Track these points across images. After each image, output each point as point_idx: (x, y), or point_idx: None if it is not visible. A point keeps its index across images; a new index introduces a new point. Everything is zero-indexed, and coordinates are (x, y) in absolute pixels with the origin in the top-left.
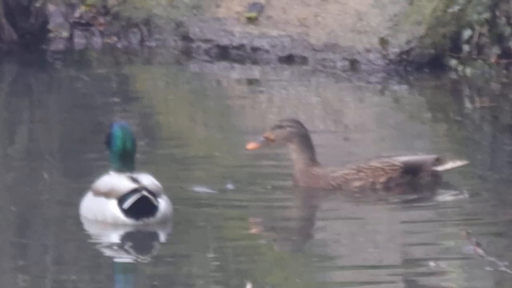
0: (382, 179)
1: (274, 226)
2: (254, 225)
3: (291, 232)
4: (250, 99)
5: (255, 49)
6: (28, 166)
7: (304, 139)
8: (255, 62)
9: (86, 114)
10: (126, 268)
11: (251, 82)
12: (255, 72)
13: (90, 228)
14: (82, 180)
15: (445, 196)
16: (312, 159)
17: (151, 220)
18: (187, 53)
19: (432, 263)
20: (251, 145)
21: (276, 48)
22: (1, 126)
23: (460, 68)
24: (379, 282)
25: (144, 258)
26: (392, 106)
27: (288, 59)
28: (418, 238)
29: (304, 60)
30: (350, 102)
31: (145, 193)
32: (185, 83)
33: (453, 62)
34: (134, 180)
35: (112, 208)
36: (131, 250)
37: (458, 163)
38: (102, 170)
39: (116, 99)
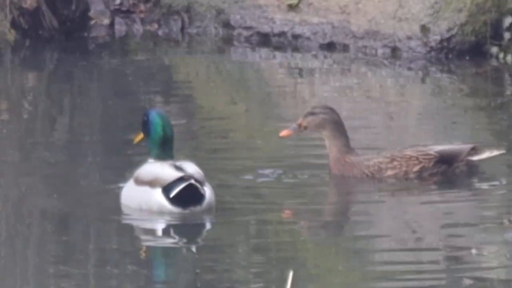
0: (416, 168)
1: (313, 213)
2: (294, 213)
3: (330, 219)
4: (291, 86)
5: (296, 37)
6: (69, 154)
7: (338, 126)
8: (296, 49)
9: (127, 102)
10: (168, 255)
11: (292, 69)
12: (296, 59)
13: (132, 216)
14: (123, 168)
15: (483, 185)
16: (347, 146)
17: (197, 208)
18: (228, 41)
19: (474, 250)
20: (284, 132)
21: (317, 35)
22: (42, 113)
23: (501, 55)
24: (421, 265)
25: (187, 246)
26: (433, 93)
27: (329, 47)
28: (458, 224)
29: (345, 48)
30: (391, 90)
31: (192, 181)
32: (226, 70)
33: (494, 50)
34: (178, 168)
35: (158, 197)
36: (175, 238)
37: (495, 152)
38: (142, 158)
39: (157, 87)
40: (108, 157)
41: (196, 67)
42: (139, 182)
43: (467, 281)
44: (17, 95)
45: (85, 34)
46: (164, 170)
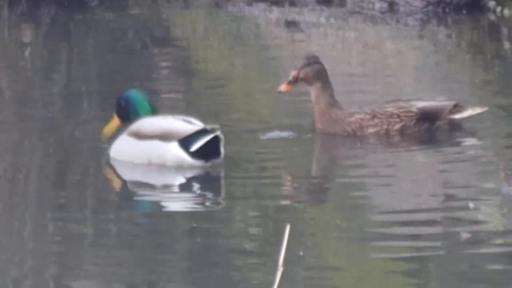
0: (397, 126)
1: (304, 176)
2: (288, 176)
3: (322, 183)
4: (288, 41)
5: None
6: (66, 107)
7: (327, 77)
8: (293, 4)
9: (124, 56)
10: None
11: (289, 24)
12: (293, 14)
13: (125, 170)
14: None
15: (468, 141)
16: (333, 98)
17: (217, 161)
18: None
19: (471, 204)
20: (283, 87)
21: None
22: (39, 68)
23: (498, 9)
24: (419, 224)
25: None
26: (430, 48)
27: (327, 1)
28: (453, 181)
29: (342, 2)
30: (388, 44)
31: (219, 133)
32: (222, 25)
33: (491, 4)
34: (186, 121)
35: (176, 151)
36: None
37: (478, 110)
38: None
39: (153, 41)
40: (104, 110)
41: (193, 21)
42: (143, 136)
43: (465, 235)
44: (14, 50)
45: None
46: (175, 123)
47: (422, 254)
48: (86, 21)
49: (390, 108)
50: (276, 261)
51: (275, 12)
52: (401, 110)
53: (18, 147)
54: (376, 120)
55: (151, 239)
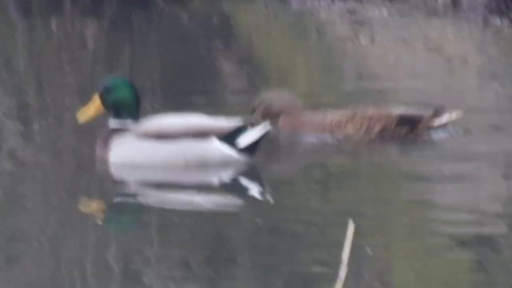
0: (378, 128)
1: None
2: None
3: (381, 178)
4: (351, 35)
5: None
6: None
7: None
8: None
9: (187, 50)
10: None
11: (352, 18)
12: (357, 8)
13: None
14: (182, 111)
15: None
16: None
17: (255, 156)
18: None
19: None
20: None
21: None
22: (102, 61)
23: None
24: (483, 222)
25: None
26: (493, 41)
27: None
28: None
29: None
30: (451, 38)
31: (270, 128)
32: (286, 19)
33: None
34: (206, 118)
35: (220, 148)
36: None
37: (454, 115)
38: (199, 104)
39: (216, 36)
40: (167, 104)
41: (255, 15)
42: (168, 137)
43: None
44: (76, 44)
45: None
46: (207, 121)
47: (488, 254)
48: (148, 15)
49: (371, 111)
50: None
51: (339, 7)
52: (382, 114)
53: (82, 141)
54: (356, 121)
55: (216, 236)
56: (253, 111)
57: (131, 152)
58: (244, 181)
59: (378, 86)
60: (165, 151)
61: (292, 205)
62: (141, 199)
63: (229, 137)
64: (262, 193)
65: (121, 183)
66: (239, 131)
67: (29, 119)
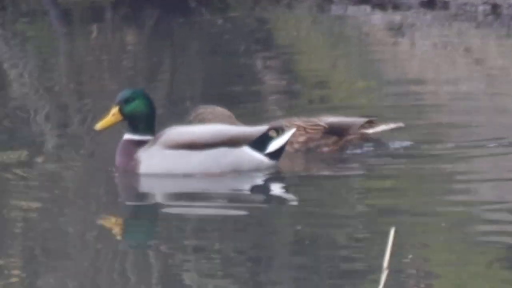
0: (301, 139)
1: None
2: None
3: (423, 184)
4: (390, 43)
5: None
6: (170, 109)
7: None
8: (396, 6)
9: (227, 58)
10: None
11: (392, 26)
12: (397, 16)
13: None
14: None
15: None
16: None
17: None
18: None
19: None
20: None
21: None
22: (142, 70)
23: None
24: None
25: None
26: None
27: (430, 4)
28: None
29: (445, 5)
30: (491, 47)
31: (294, 131)
32: (326, 27)
33: None
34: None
35: (252, 154)
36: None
37: (392, 125)
38: (244, 112)
39: (256, 43)
40: None
41: (296, 23)
42: (202, 146)
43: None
44: (117, 52)
45: None
46: (236, 127)
47: None
48: (188, 24)
49: (298, 121)
50: (381, 263)
51: (378, 15)
52: (308, 124)
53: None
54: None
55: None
56: (189, 124)
57: (164, 162)
58: (276, 186)
59: (417, 91)
60: (200, 160)
61: (328, 210)
62: (175, 209)
63: (259, 143)
64: (296, 199)
65: (152, 193)
66: (266, 136)
67: (68, 125)
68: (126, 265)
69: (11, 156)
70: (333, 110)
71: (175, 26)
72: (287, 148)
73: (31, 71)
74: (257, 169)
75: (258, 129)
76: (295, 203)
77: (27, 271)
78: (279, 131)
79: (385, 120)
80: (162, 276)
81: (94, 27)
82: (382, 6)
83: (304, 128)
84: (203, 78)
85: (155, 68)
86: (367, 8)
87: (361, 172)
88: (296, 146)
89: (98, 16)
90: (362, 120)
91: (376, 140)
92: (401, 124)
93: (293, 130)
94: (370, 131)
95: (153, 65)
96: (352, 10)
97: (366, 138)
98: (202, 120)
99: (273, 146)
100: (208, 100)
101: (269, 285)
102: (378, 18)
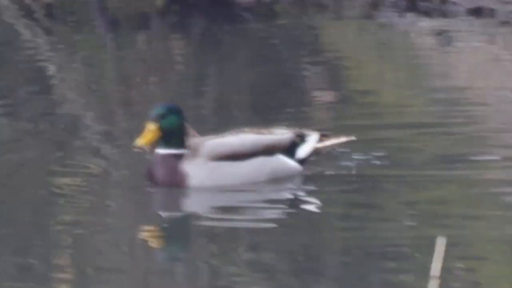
0: (133, 144)
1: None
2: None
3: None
4: (438, 51)
5: (443, 1)
6: (218, 118)
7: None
8: (443, 14)
9: (274, 66)
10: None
11: (439, 34)
12: (443, 24)
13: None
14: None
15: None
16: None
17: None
18: (375, 6)
19: None
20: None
21: (465, 0)
22: (190, 78)
23: None
24: None
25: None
26: None
27: (477, 11)
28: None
29: (492, 12)
30: None
31: (318, 136)
32: (374, 35)
33: None
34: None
35: (287, 161)
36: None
37: (343, 139)
38: (290, 120)
39: (304, 51)
40: (256, 120)
41: (343, 31)
42: (244, 156)
43: None
44: (164, 60)
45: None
46: (267, 136)
47: None
48: (236, 32)
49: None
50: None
51: (426, 23)
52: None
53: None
54: None
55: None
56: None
57: (213, 175)
58: (315, 192)
59: (464, 98)
60: (244, 171)
61: (374, 214)
62: (226, 222)
63: (289, 150)
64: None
65: (201, 206)
66: (295, 143)
67: (115, 133)
68: (178, 279)
69: (54, 165)
70: (378, 116)
71: (222, 34)
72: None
73: (78, 78)
74: (291, 176)
75: (287, 136)
76: (339, 207)
77: (78, 285)
78: (302, 137)
79: (336, 135)
80: None
81: (141, 35)
82: (428, 14)
83: None
84: (250, 86)
85: (203, 76)
86: (414, 15)
87: (408, 178)
88: None
89: (145, 24)
90: (289, 137)
91: (327, 154)
92: (353, 138)
93: (316, 135)
94: (320, 145)
95: (200, 72)
96: (398, 17)
97: (317, 152)
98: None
99: (302, 152)
100: (255, 107)
101: None
102: (424, 25)
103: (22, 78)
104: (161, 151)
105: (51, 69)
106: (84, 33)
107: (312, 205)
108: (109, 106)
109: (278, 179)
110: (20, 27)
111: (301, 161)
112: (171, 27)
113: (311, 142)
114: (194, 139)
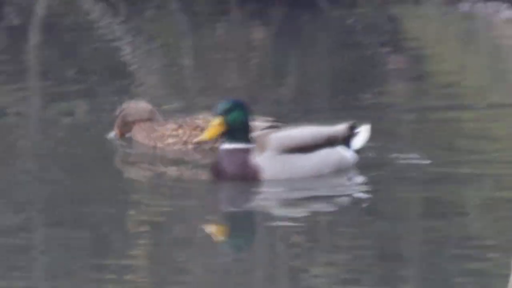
0: (196, 139)
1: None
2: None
3: None
4: None
5: None
6: (298, 107)
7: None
8: None
9: (354, 55)
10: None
11: None
12: None
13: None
14: (350, 118)
15: None
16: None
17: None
18: None
19: None
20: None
21: None
22: (270, 67)
23: None
24: None
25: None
26: None
27: None
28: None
29: None
30: None
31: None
32: (455, 23)
33: None
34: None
35: (348, 152)
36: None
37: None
38: (371, 108)
39: (385, 39)
40: (336, 110)
41: (423, 19)
42: (310, 148)
43: None
44: (244, 49)
45: None
46: (327, 128)
47: None
48: (315, 21)
49: (199, 120)
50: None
51: (508, 11)
52: (208, 124)
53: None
54: (180, 131)
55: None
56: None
57: (286, 167)
58: (382, 182)
59: None
60: (314, 163)
61: (453, 210)
62: (301, 214)
63: (347, 141)
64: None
65: (276, 200)
66: (350, 135)
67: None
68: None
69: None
70: (458, 108)
71: (302, 23)
72: (182, 146)
73: (156, 66)
74: (351, 166)
75: (342, 127)
76: (414, 200)
77: (151, 283)
78: (354, 128)
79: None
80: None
81: (220, 23)
82: (511, 1)
83: (202, 129)
84: (330, 75)
85: (282, 65)
86: (497, 4)
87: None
88: (190, 146)
89: (224, 12)
90: (267, 124)
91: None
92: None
93: (368, 126)
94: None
95: (280, 61)
96: (481, 6)
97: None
98: (125, 116)
99: (357, 143)
100: (335, 96)
101: (401, 282)
102: (508, 14)
103: (98, 63)
104: (227, 146)
105: (128, 56)
106: (162, 21)
107: (380, 196)
108: (188, 94)
109: (340, 170)
110: (97, 12)
111: (357, 152)
112: (251, 15)
113: (365, 133)
114: (256, 133)
